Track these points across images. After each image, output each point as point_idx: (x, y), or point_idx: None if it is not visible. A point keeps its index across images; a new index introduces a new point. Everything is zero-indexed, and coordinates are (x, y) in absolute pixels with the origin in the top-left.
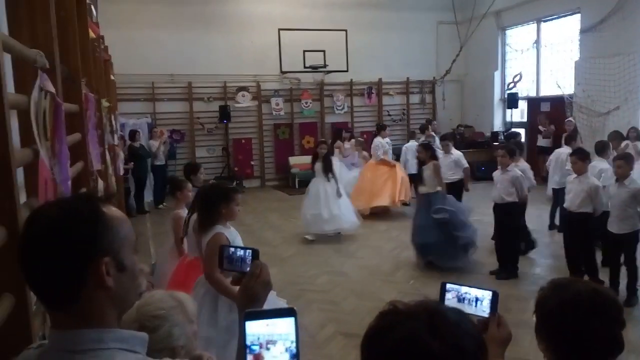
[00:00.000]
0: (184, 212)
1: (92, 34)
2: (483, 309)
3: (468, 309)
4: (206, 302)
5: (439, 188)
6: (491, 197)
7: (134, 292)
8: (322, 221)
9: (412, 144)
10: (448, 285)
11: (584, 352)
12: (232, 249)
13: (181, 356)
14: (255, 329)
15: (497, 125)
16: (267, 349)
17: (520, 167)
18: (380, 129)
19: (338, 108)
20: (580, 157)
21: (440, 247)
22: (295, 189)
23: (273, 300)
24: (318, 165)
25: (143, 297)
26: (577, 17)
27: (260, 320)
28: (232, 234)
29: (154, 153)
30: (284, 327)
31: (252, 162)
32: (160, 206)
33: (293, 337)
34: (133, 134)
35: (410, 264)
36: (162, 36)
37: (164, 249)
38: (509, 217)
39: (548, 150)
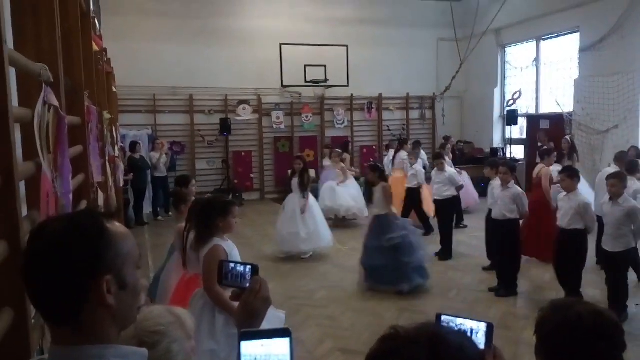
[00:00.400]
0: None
1: (95, 47)
2: (478, 341)
3: None
4: (205, 314)
5: (391, 210)
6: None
7: (136, 309)
8: (299, 240)
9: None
10: (443, 317)
11: None
12: (232, 265)
13: None
14: (250, 349)
15: (497, 142)
16: None
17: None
18: (402, 143)
19: (338, 122)
20: (569, 175)
21: (387, 271)
22: None
23: (271, 313)
24: (294, 181)
25: (142, 313)
26: (577, 36)
27: (256, 341)
28: (230, 246)
29: (154, 164)
30: (280, 348)
31: (252, 175)
32: (160, 217)
33: (288, 358)
34: (133, 146)
35: None
36: (164, 49)
37: (170, 263)
38: (510, 234)
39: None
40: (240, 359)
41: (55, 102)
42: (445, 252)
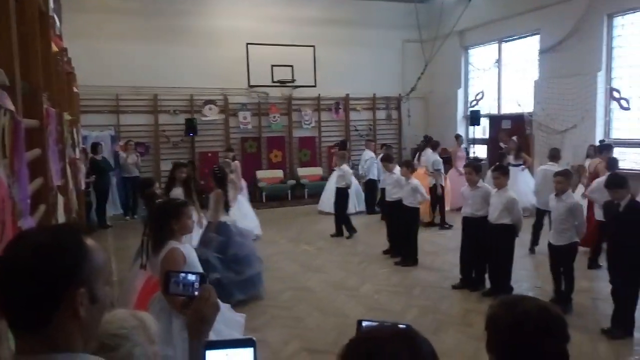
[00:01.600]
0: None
1: (54, 48)
2: None
3: None
4: (161, 319)
5: (222, 217)
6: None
7: (100, 324)
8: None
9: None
10: (364, 323)
11: None
12: (180, 275)
13: None
14: (215, 358)
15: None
16: None
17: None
18: (429, 142)
19: (306, 122)
20: (502, 173)
21: (222, 282)
22: (263, 202)
23: (230, 316)
24: (176, 191)
25: (105, 315)
26: (537, 38)
27: (221, 350)
28: (187, 249)
29: (122, 165)
30: (244, 357)
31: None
32: (127, 218)
33: None
34: (95, 147)
35: (375, 278)
36: (128, 48)
37: (136, 265)
38: (480, 230)
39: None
40: None
41: (11, 107)
42: (407, 259)
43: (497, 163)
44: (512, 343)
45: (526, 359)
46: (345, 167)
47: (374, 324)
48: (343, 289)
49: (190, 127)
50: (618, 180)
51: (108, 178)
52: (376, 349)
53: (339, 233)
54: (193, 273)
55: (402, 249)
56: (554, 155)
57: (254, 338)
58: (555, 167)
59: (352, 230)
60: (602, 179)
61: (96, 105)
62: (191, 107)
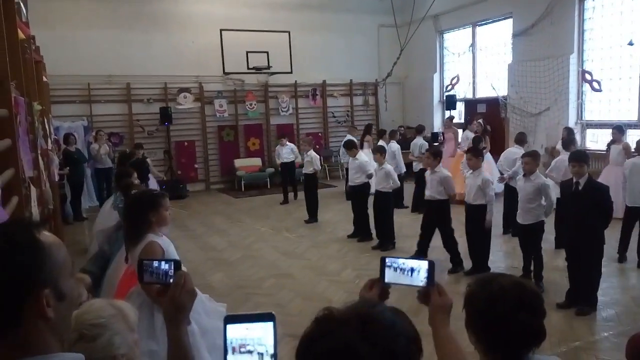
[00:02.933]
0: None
1: (21, 35)
2: (420, 280)
3: (405, 279)
4: (143, 314)
5: None
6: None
7: (72, 317)
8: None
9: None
10: (387, 260)
11: (512, 343)
12: (154, 263)
13: None
14: (235, 332)
15: (437, 126)
16: (249, 352)
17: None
18: (419, 132)
19: (283, 110)
20: (475, 155)
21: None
22: (242, 191)
23: (212, 307)
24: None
25: (82, 306)
26: (510, 21)
27: (240, 324)
28: (166, 243)
29: (95, 156)
30: (264, 331)
31: (196, 165)
32: None
33: (272, 342)
34: (67, 138)
35: (356, 263)
36: (98, 36)
37: (119, 257)
38: (440, 213)
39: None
40: (225, 342)
41: None
42: (383, 242)
43: (471, 146)
44: (488, 319)
45: (502, 334)
46: (312, 153)
47: (395, 259)
48: (324, 274)
49: (165, 116)
50: (582, 155)
51: (82, 170)
52: (325, 332)
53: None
54: (167, 261)
55: (380, 233)
56: (520, 139)
57: (274, 313)
58: (521, 150)
59: (314, 217)
60: (560, 157)
61: (67, 95)
62: (165, 95)
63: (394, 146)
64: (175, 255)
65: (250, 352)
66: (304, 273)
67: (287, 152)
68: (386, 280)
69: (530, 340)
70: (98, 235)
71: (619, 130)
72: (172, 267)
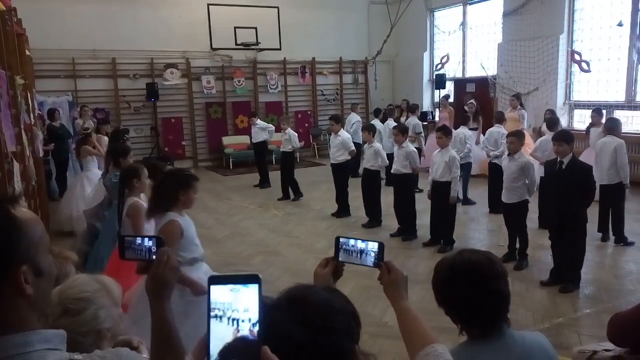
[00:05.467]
0: (143, 200)
1: (1, 6)
2: (370, 260)
3: (355, 259)
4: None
5: None
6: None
7: (51, 293)
8: (73, 220)
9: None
10: (341, 240)
11: (475, 313)
12: (137, 239)
13: (107, 338)
14: (219, 293)
15: (427, 105)
16: (233, 312)
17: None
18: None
19: (272, 87)
20: (445, 133)
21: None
22: (230, 169)
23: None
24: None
25: (66, 281)
26: (501, 0)
27: (224, 285)
28: (187, 222)
29: (80, 132)
30: (249, 294)
31: (184, 143)
32: None
33: (256, 305)
34: (52, 113)
35: None
36: (83, 9)
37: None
38: (404, 185)
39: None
40: (209, 303)
41: None
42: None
43: (442, 124)
44: (448, 294)
45: (465, 307)
46: (290, 130)
47: (347, 240)
48: (312, 252)
49: (152, 92)
50: (565, 135)
51: (67, 145)
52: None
53: (285, 196)
54: (150, 237)
55: (368, 211)
56: (499, 118)
57: (259, 274)
58: (501, 129)
59: (298, 193)
60: (545, 138)
61: (52, 69)
62: (152, 71)
63: (392, 124)
64: (195, 236)
65: (233, 319)
66: (291, 250)
67: (255, 131)
68: (340, 259)
69: (493, 307)
70: (85, 214)
71: (597, 112)
72: (155, 244)
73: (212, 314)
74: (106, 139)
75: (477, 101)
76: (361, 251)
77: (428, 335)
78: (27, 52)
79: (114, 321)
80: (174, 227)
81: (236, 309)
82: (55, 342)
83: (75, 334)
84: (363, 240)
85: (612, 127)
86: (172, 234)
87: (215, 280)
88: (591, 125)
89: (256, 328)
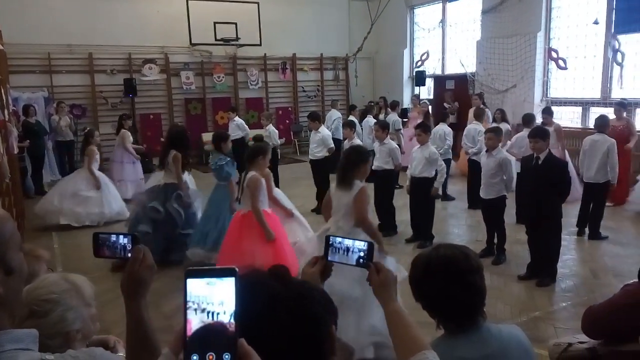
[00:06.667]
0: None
1: None
2: (359, 260)
3: (344, 259)
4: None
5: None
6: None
7: (22, 292)
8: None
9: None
10: (331, 239)
11: (451, 307)
12: (111, 236)
13: (77, 340)
14: (195, 286)
15: (407, 102)
16: (208, 305)
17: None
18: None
19: (252, 83)
20: (424, 130)
21: (155, 239)
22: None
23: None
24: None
25: (35, 281)
26: None
27: (201, 279)
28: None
29: (54, 128)
30: (225, 287)
31: (162, 139)
32: None
33: (233, 299)
34: (27, 109)
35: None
36: (58, 2)
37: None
38: (385, 182)
39: (455, 127)
40: (185, 297)
41: None
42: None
43: (421, 121)
44: (423, 291)
45: (439, 301)
46: (271, 127)
47: (336, 238)
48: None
49: (130, 87)
50: (542, 131)
51: (43, 142)
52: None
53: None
54: (125, 235)
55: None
56: (478, 114)
57: (236, 268)
58: (480, 126)
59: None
60: (520, 134)
61: (26, 65)
62: (129, 66)
63: (371, 120)
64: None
65: (208, 312)
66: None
67: (232, 127)
68: (329, 258)
69: (468, 302)
70: (135, 198)
71: (548, 112)
72: (129, 241)
73: (187, 307)
74: (129, 134)
75: (453, 96)
76: (350, 250)
77: (419, 340)
78: (1, 47)
79: (84, 322)
80: (365, 191)
81: (211, 302)
82: (26, 342)
83: (42, 337)
84: (352, 240)
85: (603, 125)
86: (367, 196)
87: (191, 273)
88: (542, 124)
89: (232, 320)
